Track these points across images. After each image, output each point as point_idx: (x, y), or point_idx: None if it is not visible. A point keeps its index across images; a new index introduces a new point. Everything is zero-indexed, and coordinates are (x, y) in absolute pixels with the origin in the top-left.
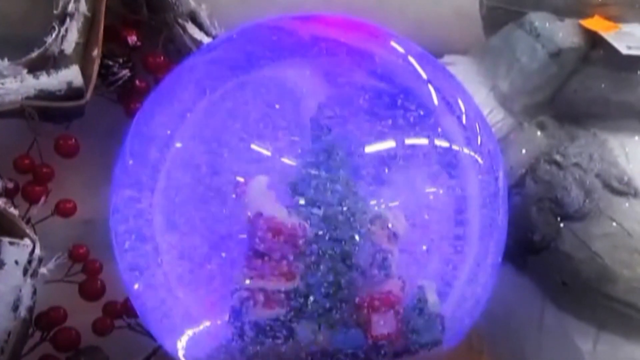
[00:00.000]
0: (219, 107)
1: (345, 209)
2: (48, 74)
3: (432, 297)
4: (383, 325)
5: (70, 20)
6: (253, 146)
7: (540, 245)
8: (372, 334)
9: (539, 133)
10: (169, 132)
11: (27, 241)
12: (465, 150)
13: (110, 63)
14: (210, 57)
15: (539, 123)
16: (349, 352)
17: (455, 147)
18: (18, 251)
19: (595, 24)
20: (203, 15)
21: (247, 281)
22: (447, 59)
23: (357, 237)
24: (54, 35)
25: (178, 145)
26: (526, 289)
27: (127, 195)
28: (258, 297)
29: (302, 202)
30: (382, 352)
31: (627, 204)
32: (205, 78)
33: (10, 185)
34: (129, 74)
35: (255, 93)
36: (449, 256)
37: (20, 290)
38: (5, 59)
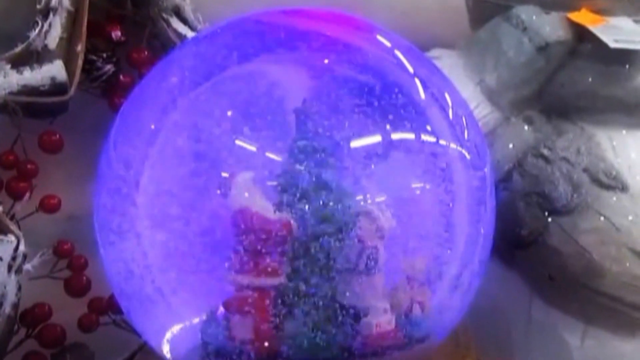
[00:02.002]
0: (203, 102)
1: (331, 204)
2: (32, 69)
3: None
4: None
5: (54, 15)
6: (238, 141)
7: (528, 239)
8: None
9: (526, 127)
10: (153, 126)
11: (11, 237)
12: (452, 145)
13: (94, 58)
14: (195, 51)
15: (526, 117)
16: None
17: (442, 142)
18: (2, 247)
19: (582, 17)
20: (187, 9)
21: (232, 277)
22: (433, 52)
23: (343, 233)
24: (37, 30)
25: (162, 140)
26: (514, 283)
27: (111, 191)
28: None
29: (287, 197)
30: (373, 349)
31: (614, 198)
32: (189, 72)
33: None
34: (113, 69)
35: (240, 88)
36: (435, 251)
37: (5, 287)
38: None
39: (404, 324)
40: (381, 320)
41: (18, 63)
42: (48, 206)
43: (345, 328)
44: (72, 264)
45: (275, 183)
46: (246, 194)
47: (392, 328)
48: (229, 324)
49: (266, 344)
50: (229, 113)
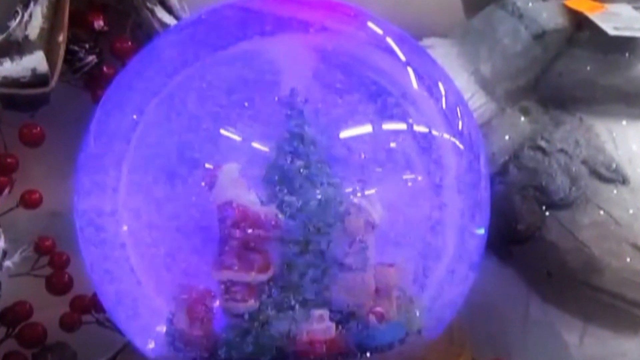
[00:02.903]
0: (186, 91)
1: (319, 197)
2: (12, 60)
3: None
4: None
5: (35, 5)
6: (223, 131)
7: (525, 234)
8: None
9: (522, 118)
10: (135, 116)
11: None
12: (445, 136)
13: (77, 49)
14: (177, 39)
15: (522, 108)
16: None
17: (434, 133)
18: None
19: (580, 4)
20: None
21: (218, 273)
22: (426, 41)
23: (332, 227)
24: (17, 20)
25: (144, 131)
26: (510, 280)
27: (92, 184)
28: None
29: (274, 190)
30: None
31: (615, 192)
32: (172, 60)
33: None
34: (95, 60)
35: (224, 76)
36: (428, 245)
37: None
38: None
39: (354, 333)
40: (315, 327)
41: None
42: (29, 201)
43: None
44: (53, 261)
45: (262, 175)
46: (232, 187)
47: (330, 337)
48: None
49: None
50: (213, 102)
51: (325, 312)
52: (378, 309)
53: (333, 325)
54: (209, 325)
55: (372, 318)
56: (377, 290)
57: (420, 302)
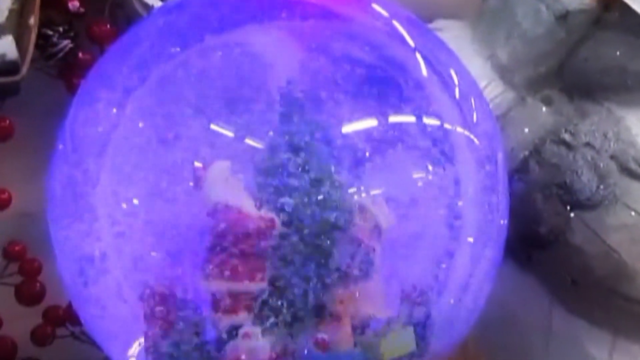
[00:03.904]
0: (172, 81)
1: (320, 198)
2: None
3: None
4: None
5: None
6: (213, 126)
7: (547, 238)
8: None
9: (544, 109)
10: (114, 110)
11: None
12: (459, 130)
13: (50, 32)
14: (163, 22)
15: (544, 97)
16: None
17: (447, 126)
18: None
19: None
20: None
21: (207, 282)
22: (437, 24)
23: (334, 231)
24: None
25: (125, 125)
26: (531, 289)
27: (67, 184)
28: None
29: (270, 190)
30: None
31: None
32: (157, 47)
33: None
34: (70, 45)
35: (214, 64)
36: (440, 252)
37: None
38: None
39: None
40: (240, 345)
41: None
42: None
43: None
44: (24, 268)
45: (256, 174)
46: (223, 187)
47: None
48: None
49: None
50: (203, 94)
51: (255, 330)
52: (321, 336)
53: (266, 345)
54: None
55: (312, 346)
56: (330, 315)
57: (417, 319)
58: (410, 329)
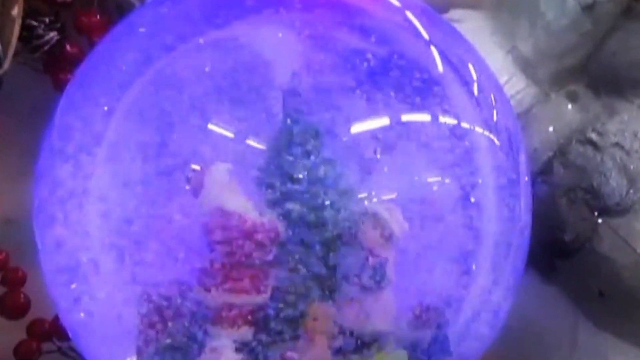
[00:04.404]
0: (167, 77)
1: (327, 203)
2: None
3: None
4: None
5: None
6: (211, 125)
7: (573, 246)
8: None
9: (569, 106)
10: (106, 108)
11: None
12: (477, 129)
13: (34, 24)
14: (157, 14)
15: (569, 93)
16: None
17: (464, 125)
18: None
19: None
20: None
21: (204, 294)
22: (453, 14)
23: (342, 239)
24: None
25: (117, 124)
26: (555, 301)
27: (55, 188)
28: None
29: (273, 195)
30: None
31: None
32: (151, 40)
33: None
34: (57, 37)
35: (213, 59)
36: (458, 261)
37: None
38: None
39: None
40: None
41: None
42: None
43: None
44: (7, 279)
45: (257, 177)
46: (222, 191)
47: None
48: None
49: None
50: (200, 91)
51: (227, 344)
52: (289, 354)
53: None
54: None
55: None
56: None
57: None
58: (404, 352)
